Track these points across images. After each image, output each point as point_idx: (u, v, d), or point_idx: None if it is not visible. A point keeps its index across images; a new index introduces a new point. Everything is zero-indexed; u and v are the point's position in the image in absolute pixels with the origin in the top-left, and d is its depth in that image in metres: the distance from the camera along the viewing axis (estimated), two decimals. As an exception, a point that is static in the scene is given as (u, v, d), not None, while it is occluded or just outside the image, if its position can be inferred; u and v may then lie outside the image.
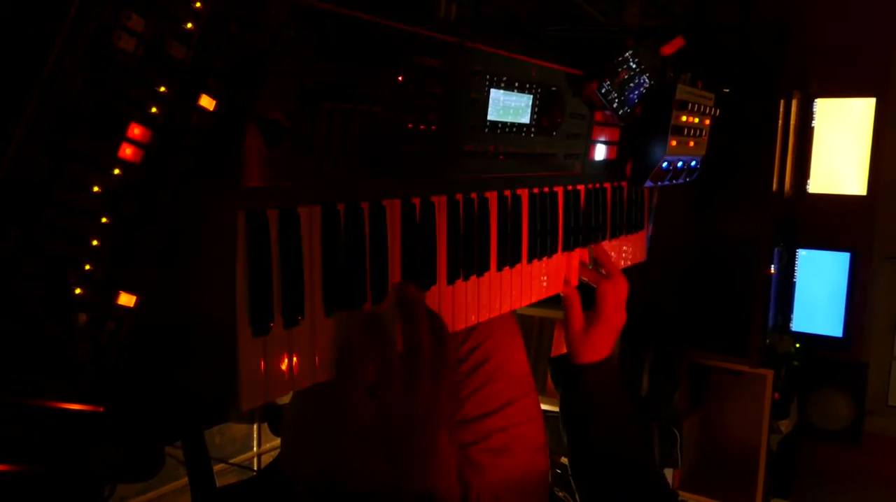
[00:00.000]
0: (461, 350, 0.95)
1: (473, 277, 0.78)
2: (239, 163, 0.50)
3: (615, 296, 1.02)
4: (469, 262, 0.77)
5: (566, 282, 1.02)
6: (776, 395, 2.09)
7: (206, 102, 0.45)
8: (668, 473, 2.19)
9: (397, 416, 0.59)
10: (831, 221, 2.43)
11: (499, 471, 0.91)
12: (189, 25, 0.43)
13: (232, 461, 1.71)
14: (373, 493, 0.59)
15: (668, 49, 1.07)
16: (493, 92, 0.75)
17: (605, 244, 1.11)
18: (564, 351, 1.06)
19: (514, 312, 0.97)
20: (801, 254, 2.37)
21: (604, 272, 1.05)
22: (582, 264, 1.05)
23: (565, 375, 1.04)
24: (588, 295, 1.04)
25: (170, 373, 0.47)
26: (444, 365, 0.62)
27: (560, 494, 1.09)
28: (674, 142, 1.10)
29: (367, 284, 0.63)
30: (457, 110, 0.71)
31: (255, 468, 1.86)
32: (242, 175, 0.50)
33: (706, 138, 1.23)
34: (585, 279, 1.05)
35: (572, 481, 1.03)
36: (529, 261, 0.90)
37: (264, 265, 0.53)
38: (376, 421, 0.59)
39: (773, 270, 2.10)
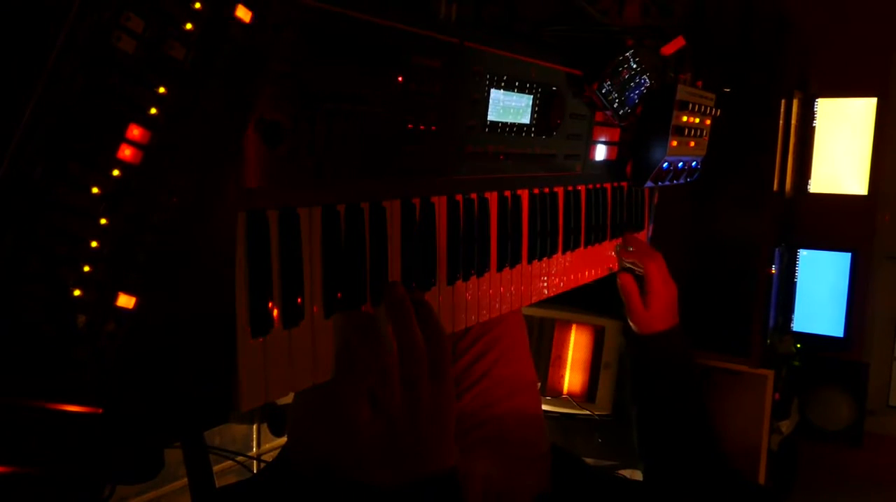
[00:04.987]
0: (461, 344, 0.95)
1: (473, 278, 0.78)
2: (239, 164, 0.50)
3: (660, 271, 1.09)
4: (469, 263, 0.77)
5: (610, 269, 1.10)
6: (777, 395, 2.08)
7: (207, 103, 0.45)
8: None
9: (399, 420, 0.58)
10: (832, 221, 2.43)
11: (496, 461, 0.91)
12: (189, 26, 0.42)
13: (234, 460, 1.71)
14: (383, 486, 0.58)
15: (668, 49, 1.07)
16: (493, 92, 0.75)
17: (607, 244, 1.12)
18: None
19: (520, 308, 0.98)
20: (802, 254, 2.37)
21: (641, 254, 1.12)
22: (622, 250, 1.13)
23: (638, 346, 1.08)
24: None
25: (169, 374, 0.47)
26: (442, 360, 0.60)
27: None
28: (674, 143, 1.10)
29: (367, 285, 0.63)
30: (457, 111, 0.71)
31: (255, 467, 1.86)
32: (243, 176, 0.50)
33: (707, 138, 1.23)
34: (629, 262, 1.12)
35: (641, 462, 1.06)
36: (530, 261, 0.90)
37: (264, 265, 0.53)
38: (378, 427, 0.57)
39: (773, 270, 2.10)
